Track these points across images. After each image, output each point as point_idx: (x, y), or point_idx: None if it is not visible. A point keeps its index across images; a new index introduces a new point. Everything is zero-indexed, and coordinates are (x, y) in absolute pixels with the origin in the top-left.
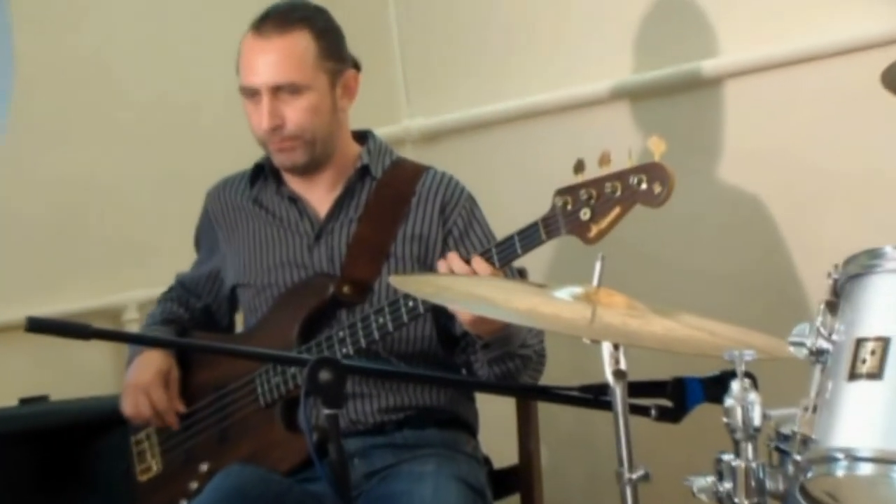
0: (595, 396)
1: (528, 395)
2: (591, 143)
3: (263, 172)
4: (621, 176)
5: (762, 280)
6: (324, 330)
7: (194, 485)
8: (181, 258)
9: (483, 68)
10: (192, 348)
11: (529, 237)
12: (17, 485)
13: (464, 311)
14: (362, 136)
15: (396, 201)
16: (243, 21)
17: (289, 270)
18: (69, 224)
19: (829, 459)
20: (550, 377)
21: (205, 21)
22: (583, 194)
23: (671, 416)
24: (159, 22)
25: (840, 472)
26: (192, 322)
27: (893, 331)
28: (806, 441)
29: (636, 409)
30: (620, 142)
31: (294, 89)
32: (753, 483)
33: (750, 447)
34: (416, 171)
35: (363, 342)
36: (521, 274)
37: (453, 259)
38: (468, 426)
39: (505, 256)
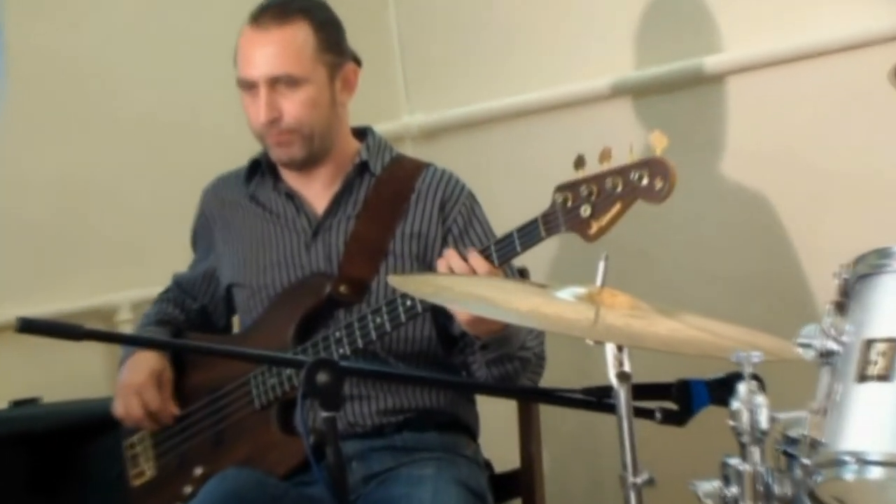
0: (598, 399)
1: (530, 397)
2: (592, 141)
3: (260, 168)
4: (622, 171)
5: (768, 280)
6: (320, 330)
7: (189, 489)
8: (176, 257)
9: (483, 64)
10: (187, 350)
11: (529, 234)
12: (8, 489)
13: (462, 311)
14: (361, 133)
15: (395, 198)
16: (242, 19)
17: (285, 269)
18: (61, 223)
19: (838, 463)
20: (553, 379)
21: (203, 20)
22: (583, 190)
23: (676, 419)
24: (157, 21)
25: (849, 476)
26: (188, 323)
27: None
28: (814, 444)
29: (640, 412)
30: (621, 139)
31: (292, 82)
32: (760, 488)
33: (757, 451)
34: (415, 168)
35: (360, 342)
36: (523, 274)
37: (452, 256)
38: (469, 429)
39: (504, 254)
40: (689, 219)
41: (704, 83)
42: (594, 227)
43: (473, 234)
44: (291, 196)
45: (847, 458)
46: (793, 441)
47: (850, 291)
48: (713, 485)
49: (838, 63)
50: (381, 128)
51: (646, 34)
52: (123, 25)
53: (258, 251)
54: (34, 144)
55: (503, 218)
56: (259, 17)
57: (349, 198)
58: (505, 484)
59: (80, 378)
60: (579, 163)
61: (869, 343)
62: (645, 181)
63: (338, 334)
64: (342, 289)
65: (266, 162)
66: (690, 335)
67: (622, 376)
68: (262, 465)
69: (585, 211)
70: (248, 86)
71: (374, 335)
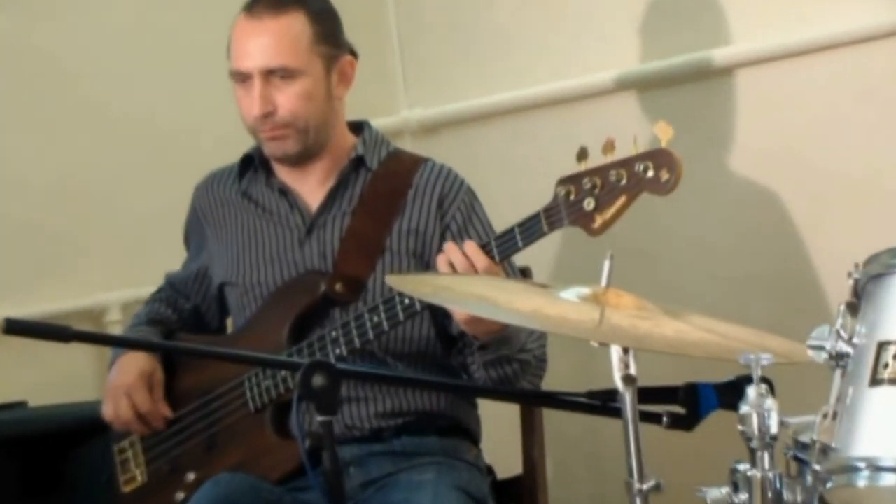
0: (603, 403)
1: (533, 401)
2: (595, 136)
3: (253, 163)
4: (626, 163)
5: (778, 280)
6: (316, 330)
7: (181, 495)
8: (168, 256)
9: (484, 57)
10: (178, 351)
11: (530, 229)
12: None
13: (460, 310)
14: (358, 127)
15: (392, 194)
16: (234, 14)
17: (278, 267)
18: (48, 222)
19: (849, 469)
20: (556, 382)
21: (194, 17)
22: (586, 183)
23: (684, 423)
24: (147, 18)
25: (861, 482)
26: (181, 323)
27: None
28: (825, 450)
29: (647, 417)
30: (626, 134)
31: (287, 74)
32: (770, 494)
33: (766, 456)
34: (413, 163)
35: (357, 342)
36: (525, 273)
37: (452, 251)
38: (470, 433)
39: (505, 249)
40: (696, 217)
41: (713, 76)
42: (598, 221)
43: (473, 231)
44: (285, 192)
45: (859, 464)
46: (803, 446)
47: (863, 292)
48: (722, 491)
49: (852, 55)
50: (380, 122)
51: (652, 26)
52: (117, 25)
53: (251, 249)
54: (23, 144)
55: (504, 215)
56: (254, 7)
57: (344, 193)
58: (507, 490)
59: (68, 381)
60: (582, 155)
61: (882, 345)
62: (650, 173)
63: (334, 334)
64: (338, 287)
65: (259, 157)
66: (698, 337)
67: (628, 379)
68: (256, 470)
69: (589, 204)
70: (241, 78)
71: (371, 334)
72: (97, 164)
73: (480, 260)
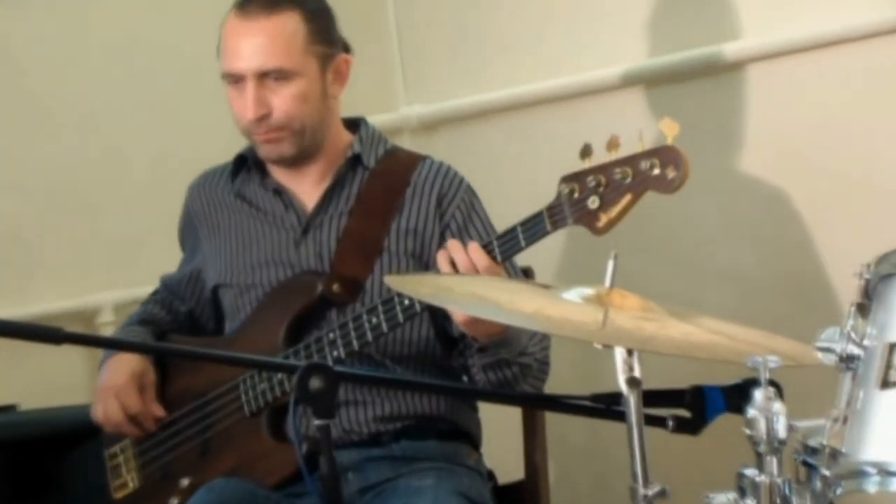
0: (607, 406)
1: (535, 404)
2: (601, 133)
3: (246, 163)
4: (632, 161)
5: (787, 280)
6: (312, 332)
7: (174, 501)
8: (161, 256)
9: (486, 53)
10: (171, 354)
11: (533, 228)
12: None
13: (459, 311)
14: (354, 124)
15: (390, 193)
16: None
17: (273, 269)
18: (39, 221)
19: (859, 474)
20: (559, 385)
21: (191, 16)
22: (590, 181)
23: (689, 427)
24: (144, 18)
25: (872, 487)
26: (175, 325)
27: None
28: (835, 454)
29: (651, 420)
30: (632, 130)
31: (282, 76)
32: (778, 500)
33: (774, 461)
34: (411, 161)
35: (355, 344)
36: (527, 274)
37: (455, 248)
38: (471, 437)
39: (507, 249)
40: (703, 215)
41: (723, 71)
42: (603, 220)
43: (473, 230)
44: (279, 192)
45: (869, 469)
46: (812, 451)
47: (873, 293)
48: (728, 497)
49: (867, 49)
50: (378, 119)
51: (660, 19)
52: (112, 24)
53: (245, 250)
54: (11, 143)
55: (506, 214)
56: (246, 5)
57: (341, 193)
58: (509, 495)
59: (59, 384)
60: (586, 152)
61: (892, 347)
62: (656, 171)
63: (331, 335)
64: (335, 287)
65: (252, 157)
66: (704, 339)
67: (632, 382)
68: (251, 476)
69: (593, 203)
70: (234, 79)
71: (369, 336)
72: (88, 163)
73: (482, 260)
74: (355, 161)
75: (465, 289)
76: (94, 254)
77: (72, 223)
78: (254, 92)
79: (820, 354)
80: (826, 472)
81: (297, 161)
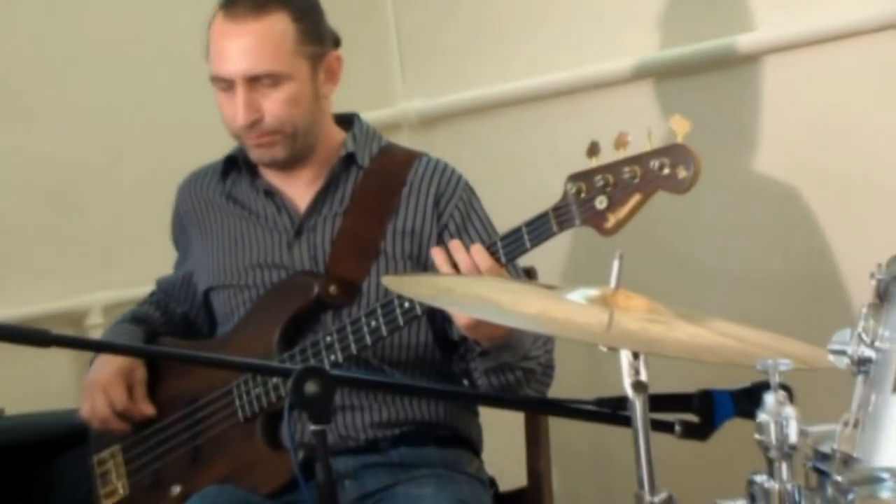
0: (612, 411)
1: (538, 409)
2: (609, 128)
3: (236, 164)
4: (641, 159)
5: (799, 281)
6: (307, 335)
7: None
8: (151, 258)
9: (487, 45)
10: (163, 356)
11: (539, 229)
12: None
13: (461, 313)
14: (346, 121)
15: (386, 192)
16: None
17: (266, 272)
18: (27, 220)
19: (873, 480)
20: (563, 389)
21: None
22: (598, 180)
23: (698, 432)
24: (141, 17)
25: (886, 494)
26: (170, 327)
27: None
28: (847, 460)
29: (658, 425)
30: (641, 125)
31: (272, 79)
32: None
33: (785, 467)
34: (407, 159)
35: (354, 348)
36: (530, 274)
37: (457, 249)
38: (471, 444)
39: (511, 251)
40: (713, 213)
41: (737, 64)
42: (611, 221)
43: (472, 230)
44: (271, 193)
45: (883, 475)
46: (824, 456)
47: (886, 293)
48: None
49: (885, 40)
50: (376, 114)
51: (668, 11)
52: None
53: (236, 253)
54: (1, 143)
55: (509, 214)
56: (232, 7)
57: (335, 193)
58: (510, 503)
59: (46, 388)
60: (593, 150)
61: None
62: (666, 170)
63: (328, 339)
64: (332, 289)
65: (243, 158)
66: (713, 341)
67: (638, 386)
68: (245, 483)
69: (601, 203)
70: (223, 84)
71: (368, 340)
72: (77, 163)
73: (485, 261)
74: (349, 160)
75: (466, 290)
76: (82, 254)
77: (60, 223)
78: (244, 97)
79: (832, 357)
80: (838, 479)
81: (289, 164)
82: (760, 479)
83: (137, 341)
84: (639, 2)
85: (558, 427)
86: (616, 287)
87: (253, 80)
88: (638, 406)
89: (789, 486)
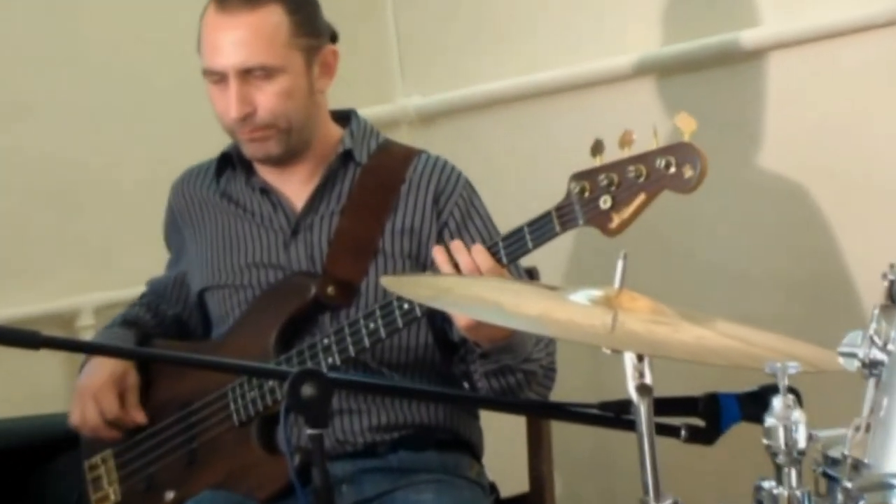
0: (616, 414)
1: (540, 412)
2: (612, 125)
3: (231, 162)
4: (646, 158)
5: (808, 281)
6: (304, 337)
7: None
8: (143, 259)
9: (488, 41)
10: (156, 359)
11: (541, 229)
12: None
13: (461, 314)
14: (344, 117)
15: (384, 190)
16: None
17: (263, 272)
18: (17, 220)
19: (884, 486)
20: (565, 392)
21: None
22: (602, 179)
23: (703, 437)
24: (138, 17)
25: None
26: (161, 329)
27: None
28: (858, 466)
29: (663, 430)
30: (645, 122)
31: (265, 72)
32: None
33: (794, 473)
34: (405, 156)
35: (352, 350)
36: (531, 274)
37: (458, 249)
38: (471, 448)
39: (513, 251)
40: (719, 213)
41: (742, 60)
42: (616, 221)
43: (473, 229)
44: (267, 192)
45: (894, 481)
46: (834, 462)
47: None
48: None
49: (887, 38)
50: (374, 111)
51: (672, 5)
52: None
53: (231, 252)
54: None
55: (510, 213)
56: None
57: (332, 191)
58: None
59: (36, 391)
60: (597, 149)
61: None
62: (672, 169)
63: (326, 341)
64: (329, 290)
65: (237, 155)
66: (719, 343)
67: (643, 389)
68: (240, 489)
69: (605, 202)
70: (215, 77)
71: (367, 342)
72: (70, 163)
73: (486, 262)
74: (346, 157)
75: (467, 290)
76: (74, 255)
77: (51, 223)
78: (237, 90)
79: (842, 360)
80: (848, 485)
81: (284, 160)
82: (768, 485)
83: (129, 345)
84: None
85: (560, 431)
86: (620, 288)
87: (246, 73)
88: (642, 410)
89: (798, 493)
